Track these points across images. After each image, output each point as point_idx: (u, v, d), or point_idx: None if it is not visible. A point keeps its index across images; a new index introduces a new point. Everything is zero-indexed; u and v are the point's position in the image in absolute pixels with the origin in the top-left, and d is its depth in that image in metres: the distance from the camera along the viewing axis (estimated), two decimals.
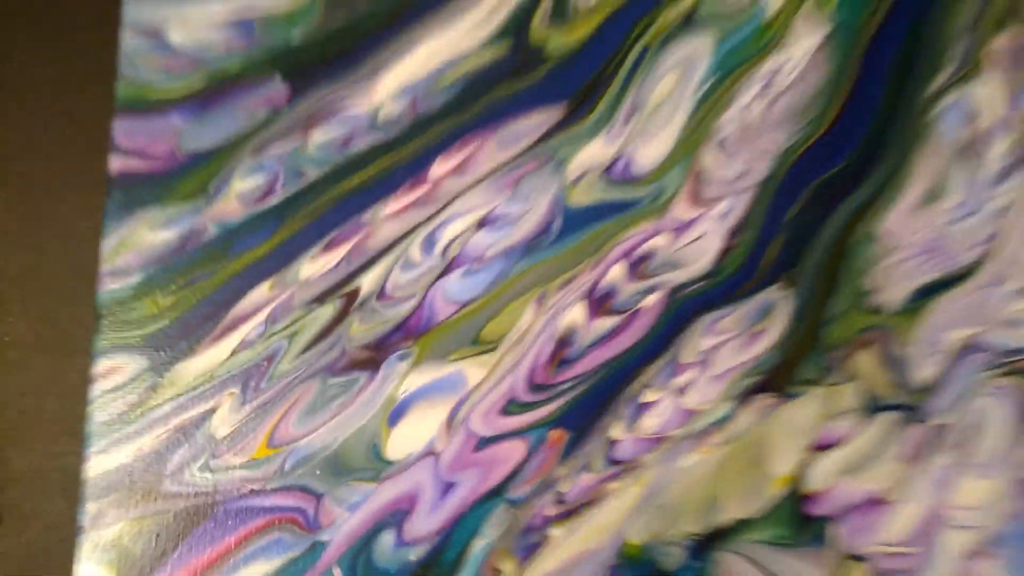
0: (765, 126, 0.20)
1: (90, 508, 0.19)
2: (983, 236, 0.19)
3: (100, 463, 0.19)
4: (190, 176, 0.21)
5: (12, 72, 0.24)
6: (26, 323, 0.24)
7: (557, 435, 0.19)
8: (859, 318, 0.19)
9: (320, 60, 0.21)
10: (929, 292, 0.19)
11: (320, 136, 0.21)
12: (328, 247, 0.20)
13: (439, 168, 0.20)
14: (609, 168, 0.20)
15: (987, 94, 0.20)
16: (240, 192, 0.20)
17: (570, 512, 0.19)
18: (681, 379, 0.19)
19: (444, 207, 0.20)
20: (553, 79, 0.20)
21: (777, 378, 0.19)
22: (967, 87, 0.20)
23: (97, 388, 0.20)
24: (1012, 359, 0.19)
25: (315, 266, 0.20)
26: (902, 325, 0.19)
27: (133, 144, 0.21)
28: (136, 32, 0.21)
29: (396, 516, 0.19)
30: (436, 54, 0.21)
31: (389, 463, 0.19)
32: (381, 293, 0.20)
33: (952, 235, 0.19)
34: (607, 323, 0.19)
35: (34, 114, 0.24)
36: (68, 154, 0.24)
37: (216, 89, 0.21)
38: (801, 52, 0.20)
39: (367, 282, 0.20)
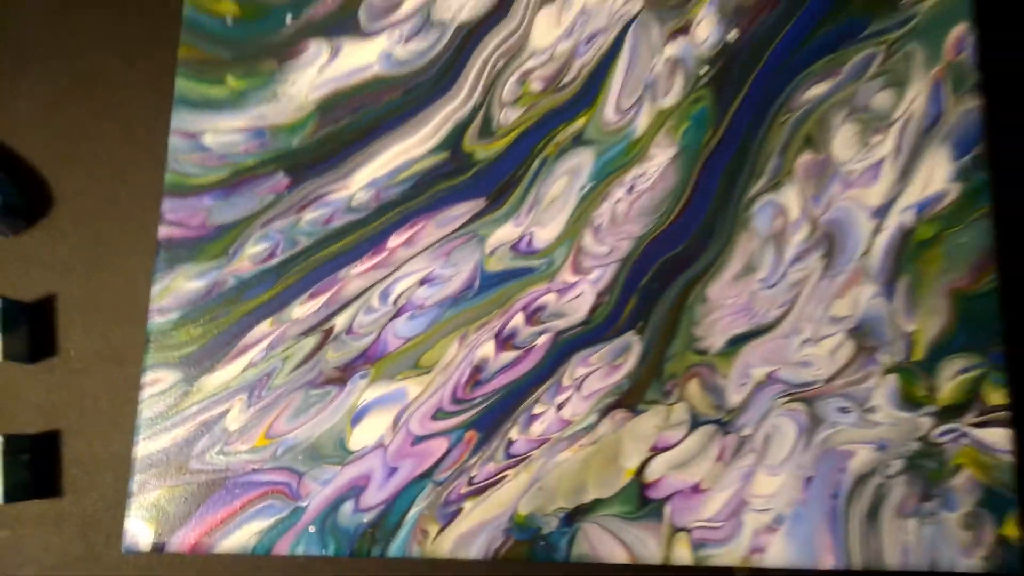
0: (628, 218, 0.27)
1: (137, 479, 0.26)
2: (783, 300, 0.26)
3: (145, 447, 0.26)
4: (215, 242, 0.28)
5: (90, 160, 0.31)
6: (88, 342, 0.31)
7: (470, 435, 0.26)
8: (690, 356, 0.26)
9: (311, 160, 0.28)
10: (741, 340, 0.26)
11: (309, 215, 0.28)
12: (312, 295, 0.27)
13: (394, 241, 0.27)
14: (515, 244, 0.27)
15: (790, 198, 0.27)
16: (251, 254, 0.28)
17: (478, 491, 0.26)
18: (561, 397, 0.26)
19: (396, 269, 0.27)
20: (478, 179, 0.27)
21: (629, 398, 0.26)
22: (776, 193, 0.27)
23: (144, 393, 0.27)
24: (798, 390, 0.26)
25: (303, 309, 0.27)
26: (721, 363, 0.26)
27: (175, 218, 0.28)
28: (179, 135, 0.28)
29: (354, 490, 0.26)
30: (395, 158, 0.28)
31: (351, 452, 0.26)
32: (349, 330, 0.27)
33: (760, 299, 0.26)
34: (509, 356, 0.26)
35: (105, 192, 0.31)
36: (129, 223, 0.31)
37: (236, 179, 0.28)
38: (656, 165, 0.27)
39: (340, 322, 0.27)
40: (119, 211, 0.31)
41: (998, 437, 0.25)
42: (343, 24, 0.28)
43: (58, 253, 0.31)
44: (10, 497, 0.28)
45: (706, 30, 0.27)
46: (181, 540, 0.25)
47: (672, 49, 0.27)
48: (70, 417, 0.30)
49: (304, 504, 0.25)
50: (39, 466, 0.29)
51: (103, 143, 0.31)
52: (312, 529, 0.25)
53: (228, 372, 0.26)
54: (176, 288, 0.26)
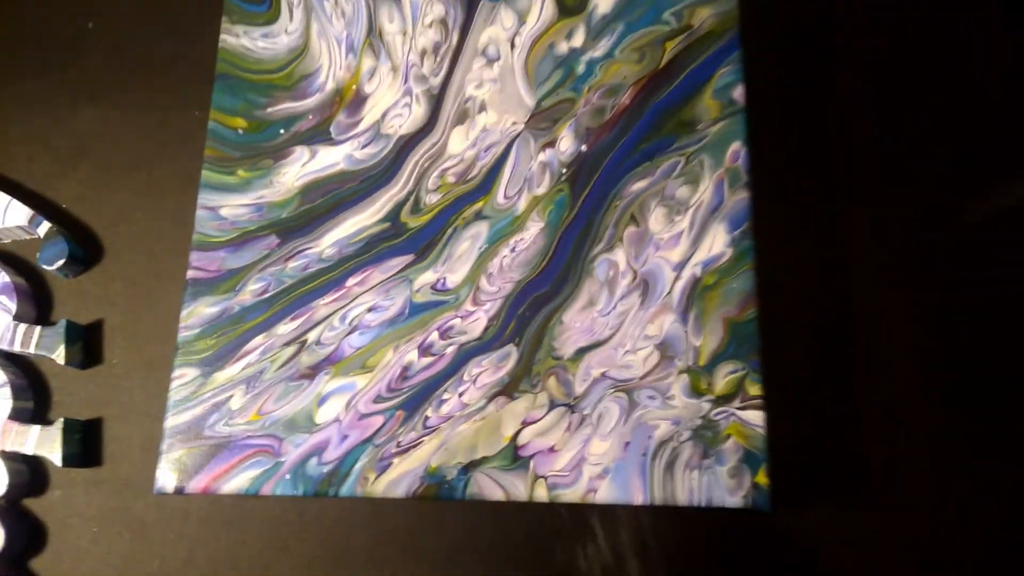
0: (511, 268, 0.39)
1: (166, 443, 0.36)
2: (613, 324, 0.38)
3: (172, 421, 0.37)
4: (226, 281, 0.38)
5: (133, 225, 0.43)
6: (127, 355, 0.41)
7: (399, 414, 0.37)
8: (550, 361, 0.37)
9: (295, 227, 0.40)
10: (585, 350, 0.37)
11: (292, 264, 0.39)
12: (293, 318, 0.38)
13: (351, 282, 0.38)
14: (434, 285, 0.39)
15: (620, 257, 0.39)
16: (251, 290, 0.39)
17: (403, 451, 0.36)
18: (462, 388, 0.37)
19: (351, 301, 0.38)
20: (409, 241, 0.39)
21: (508, 389, 0.37)
22: (611, 253, 0.39)
23: (173, 384, 0.37)
24: (622, 384, 0.38)
25: (286, 328, 0.38)
26: (571, 365, 0.38)
27: (199, 264, 0.39)
28: (203, 209, 0.40)
29: (318, 450, 0.36)
30: (353, 226, 0.39)
31: (316, 424, 0.37)
32: (318, 342, 0.38)
33: (597, 323, 0.38)
34: (427, 360, 0.37)
35: (144, 247, 0.43)
36: (162, 269, 0.42)
37: (242, 239, 0.40)
38: (531, 233, 0.39)
39: (311, 336, 0.38)
40: (154, 261, 0.42)
41: (755, 417, 0.37)
42: (319, 135, 0.40)
43: (106, 290, 0.42)
44: (66, 462, 0.38)
45: (566, 144, 0.40)
46: (195, 484, 0.35)
47: (543, 156, 0.40)
48: (111, 409, 0.40)
49: (283, 460, 0.35)
50: (87, 443, 0.40)
51: (144, 213, 0.43)
52: (288, 477, 0.35)
53: (232, 370, 0.36)
54: (198, 312, 0.37)
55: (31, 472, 0.39)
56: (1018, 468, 0.39)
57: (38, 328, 0.39)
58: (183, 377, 0.36)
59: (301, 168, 0.39)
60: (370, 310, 0.37)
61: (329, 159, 0.39)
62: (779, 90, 0.44)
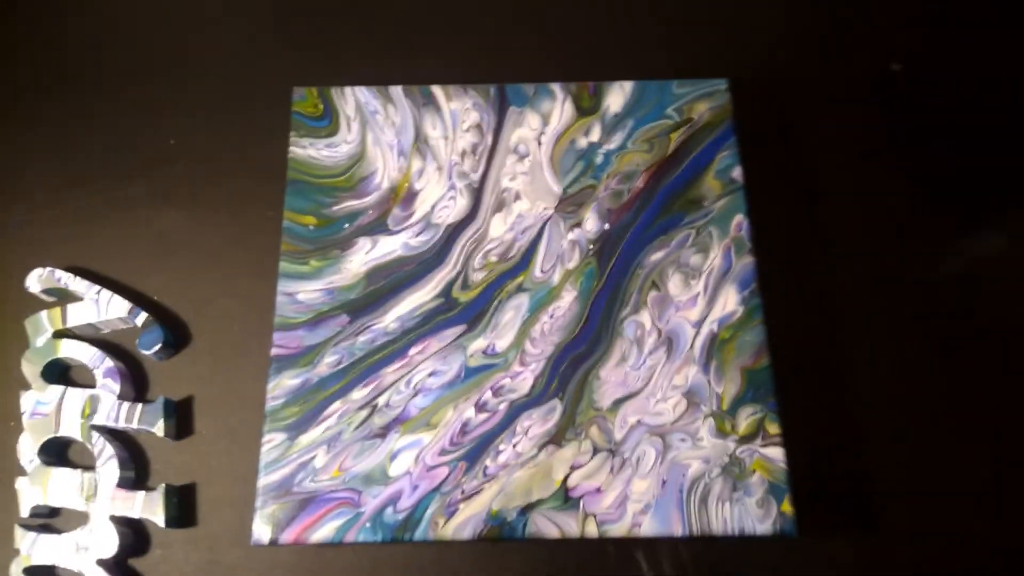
0: (551, 332, 0.45)
1: (259, 499, 0.41)
2: (644, 377, 0.44)
3: (264, 480, 0.41)
4: (306, 356, 0.44)
5: (220, 312, 0.49)
6: (215, 427, 0.47)
7: (462, 464, 0.42)
8: (590, 412, 0.42)
9: (363, 306, 0.46)
10: (621, 401, 0.43)
11: (362, 338, 0.45)
12: (365, 385, 0.43)
13: (413, 351, 0.44)
14: (485, 350, 0.45)
15: (645, 318, 0.45)
16: (327, 362, 0.44)
17: (467, 497, 0.41)
18: (515, 439, 0.42)
19: (414, 368, 0.44)
20: (461, 313, 0.45)
21: (556, 438, 0.42)
22: (637, 315, 0.45)
23: (264, 448, 0.42)
24: (656, 429, 0.43)
25: (360, 393, 0.43)
26: (610, 415, 0.43)
27: (281, 343, 0.45)
28: (283, 295, 0.46)
29: (392, 500, 0.41)
30: (412, 303, 0.45)
31: (390, 477, 0.42)
32: (387, 404, 0.44)
33: (630, 376, 0.44)
34: (483, 416, 0.43)
35: (228, 332, 0.49)
36: (243, 349, 0.48)
37: (317, 319, 0.45)
38: (566, 302, 0.45)
39: (381, 400, 0.43)
40: (235, 342, 0.47)
41: (776, 453, 0.42)
42: (378, 227, 0.46)
43: (195, 369, 0.47)
44: (168, 524, 0.43)
45: (591, 224, 0.46)
46: (287, 536, 0.40)
47: (572, 235, 0.46)
48: (203, 474, 0.45)
49: (362, 510, 0.40)
50: (183, 506, 0.44)
51: (225, 300, 0.48)
52: (368, 525, 0.40)
53: (315, 433, 0.42)
54: (282, 384, 0.43)
55: (135, 534, 0.44)
56: (1017, 492, 0.44)
57: (140, 405, 0.45)
58: (272, 441, 0.41)
59: (365, 256, 0.45)
60: (431, 375, 0.43)
61: (388, 247, 0.46)
62: (772, 168, 0.50)
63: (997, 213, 0.51)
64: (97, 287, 0.47)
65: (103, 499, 0.43)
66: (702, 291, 0.44)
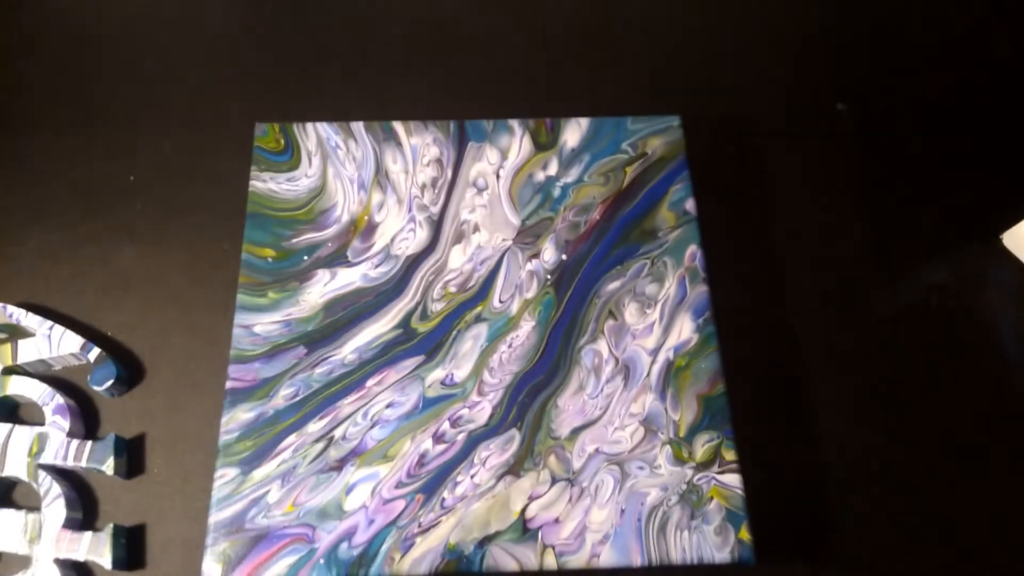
0: (509, 362, 0.45)
1: (211, 536, 0.40)
2: (601, 405, 0.44)
3: (216, 517, 0.40)
4: (262, 389, 0.44)
5: (174, 346, 0.48)
6: (167, 465, 0.46)
7: (419, 497, 0.42)
8: (549, 441, 0.43)
9: (320, 338, 0.46)
10: (579, 429, 0.43)
11: (319, 371, 0.45)
12: (321, 417, 0.43)
13: (370, 382, 0.44)
14: (443, 380, 0.44)
15: (602, 346, 0.46)
16: (283, 395, 0.44)
17: (424, 531, 0.41)
18: (473, 470, 0.42)
19: (372, 399, 0.44)
20: (420, 344, 0.45)
21: (514, 468, 0.42)
22: (595, 343, 0.45)
23: (216, 484, 0.41)
24: (613, 457, 0.43)
25: (316, 426, 0.43)
26: (568, 444, 0.43)
27: (237, 375, 0.44)
28: (240, 327, 0.46)
29: (348, 535, 0.40)
30: (370, 334, 0.46)
31: (345, 512, 0.41)
32: (343, 437, 0.43)
33: (588, 405, 0.44)
34: (441, 447, 0.43)
35: (182, 366, 0.48)
36: (207, 378, 0.48)
37: (274, 351, 0.45)
38: (524, 331, 0.46)
39: (338, 432, 0.43)
40: (191, 378, 0.47)
41: (733, 480, 0.42)
42: (337, 259, 0.47)
43: (148, 407, 0.46)
44: (115, 566, 0.41)
45: (549, 255, 0.47)
46: (238, 574, 0.39)
47: (530, 266, 0.47)
48: (153, 515, 0.44)
49: (316, 546, 0.39)
50: (132, 547, 0.43)
51: (181, 336, 0.48)
52: (322, 561, 0.39)
53: (269, 467, 0.41)
54: (236, 418, 0.42)
55: None
56: (968, 514, 0.44)
57: (89, 443, 0.43)
58: (224, 476, 0.41)
59: (323, 287, 0.45)
60: (388, 406, 0.43)
61: (347, 279, 0.46)
62: (723, 199, 0.52)
63: (944, 241, 0.52)
64: (50, 323, 0.46)
65: (47, 541, 0.41)
66: (658, 319, 0.45)
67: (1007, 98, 0.57)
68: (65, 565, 0.41)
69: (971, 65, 0.58)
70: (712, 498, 0.41)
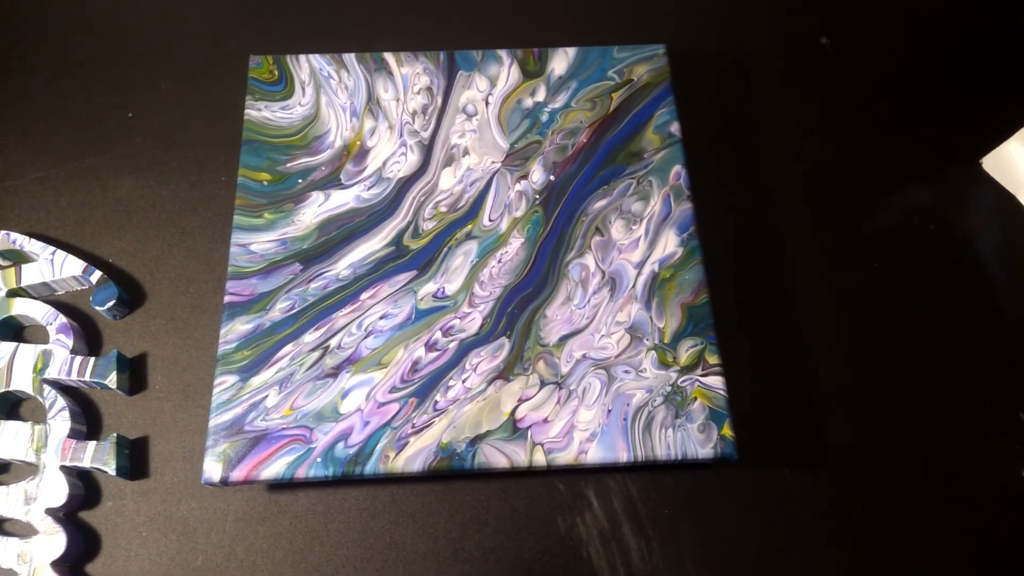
0: (499, 276, 0.46)
1: (211, 439, 0.41)
2: (588, 315, 0.45)
3: (216, 420, 0.41)
4: (258, 303, 0.46)
5: (174, 268, 0.49)
6: (168, 382, 0.47)
7: (412, 400, 0.43)
8: (537, 348, 0.44)
9: (315, 255, 0.47)
10: (567, 337, 0.44)
11: (313, 285, 0.46)
12: (317, 328, 0.44)
13: (365, 295, 0.46)
14: (435, 293, 0.46)
15: (590, 260, 0.47)
16: (280, 308, 0.45)
17: (418, 431, 0.42)
18: (465, 375, 0.43)
19: (366, 311, 0.45)
20: (412, 260, 0.46)
21: (504, 373, 0.43)
22: (582, 258, 0.47)
23: (216, 389, 0.43)
24: (600, 362, 0.44)
25: (312, 336, 0.44)
26: (556, 350, 0.44)
27: (235, 291, 0.45)
28: (237, 246, 0.47)
29: (344, 435, 0.42)
30: (364, 251, 0.47)
31: (341, 414, 0.42)
32: (339, 346, 0.44)
33: (575, 314, 0.45)
34: (433, 355, 0.44)
35: (182, 288, 0.49)
36: (206, 299, 0.49)
37: (270, 267, 0.46)
38: (513, 247, 0.47)
39: (333, 342, 0.44)
40: (190, 300, 0.48)
41: (716, 381, 0.43)
42: (331, 182, 0.48)
43: (149, 328, 0.48)
44: (118, 473, 0.43)
45: (537, 176, 0.48)
46: (238, 474, 0.40)
47: (519, 186, 0.48)
48: (156, 428, 0.45)
49: (313, 446, 0.41)
50: (135, 459, 0.44)
51: (180, 260, 0.49)
52: (319, 460, 0.41)
53: (267, 374, 0.42)
54: (235, 329, 0.44)
55: (85, 486, 0.43)
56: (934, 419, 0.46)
57: (92, 359, 0.45)
58: (223, 384, 0.42)
59: (318, 208, 0.47)
60: (382, 317, 0.44)
61: (341, 200, 0.47)
62: (707, 121, 0.53)
63: (926, 166, 0.54)
64: (52, 248, 0.47)
65: (53, 450, 0.42)
66: (643, 235, 0.46)
67: (986, 27, 0.58)
68: (71, 472, 0.42)
69: None
70: (696, 399, 0.42)
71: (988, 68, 0.56)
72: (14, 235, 0.48)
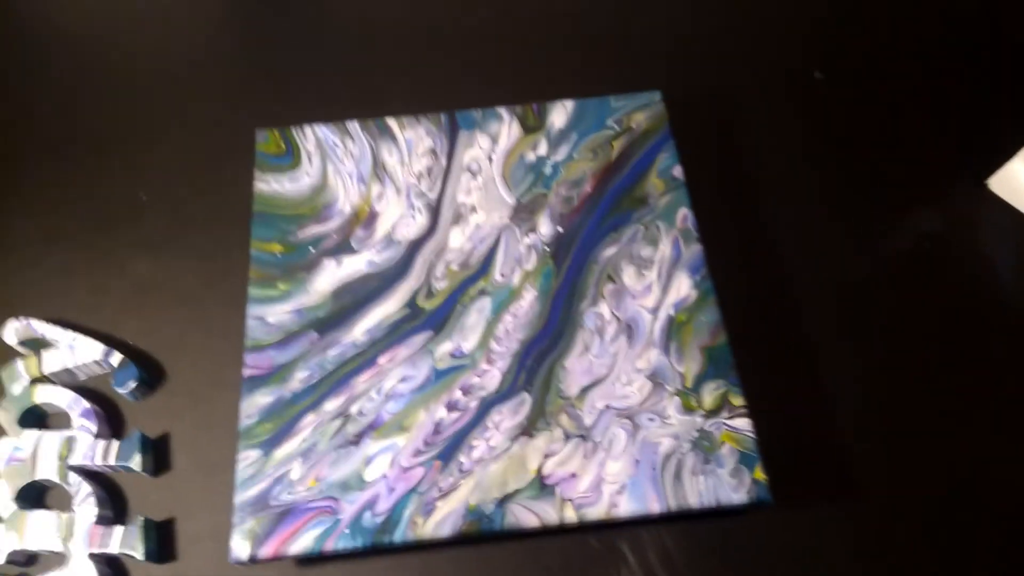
0: (515, 330, 0.46)
1: (236, 515, 0.41)
2: (608, 364, 0.45)
3: (241, 496, 0.41)
4: (277, 375, 0.46)
5: (193, 348, 0.50)
6: (191, 461, 0.47)
7: (437, 463, 0.43)
8: (559, 401, 0.43)
9: (331, 323, 0.47)
10: (588, 388, 0.44)
11: (331, 353, 0.46)
12: (336, 396, 0.44)
13: (382, 360, 0.46)
14: (452, 352, 0.46)
15: (604, 309, 0.47)
16: (299, 378, 0.46)
17: (444, 495, 0.42)
18: (488, 434, 0.43)
19: (384, 376, 0.45)
20: (427, 320, 0.47)
21: (528, 429, 0.43)
22: (596, 307, 0.47)
23: (239, 465, 0.43)
24: (624, 411, 0.44)
25: (332, 404, 0.44)
26: (578, 402, 0.44)
27: (253, 364, 0.46)
28: (253, 319, 0.48)
29: (370, 504, 0.41)
30: (379, 315, 0.47)
31: (366, 482, 0.42)
32: (360, 413, 0.44)
33: (595, 364, 0.45)
34: (455, 415, 0.44)
35: (201, 368, 0.50)
36: (226, 375, 0.49)
37: (287, 339, 0.47)
38: (527, 301, 0.47)
39: (354, 409, 0.44)
40: (210, 376, 0.49)
41: (743, 424, 0.42)
42: (343, 248, 0.48)
43: (171, 407, 0.48)
44: (147, 557, 0.42)
45: (545, 228, 0.49)
46: (266, 550, 0.40)
47: (528, 240, 0.48)
48: (181, 508, 0.45)
49: (341, 517, 0.40)
50: (162, 541, 0.44)
51: (198, 337, 0.50)
52: (347, 531, 0.40)
53: (290, 446, 0.42)
54: (255, 403, 0.44)
55: (115, 574, 0.43)
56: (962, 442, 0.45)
57: (116, 442, 0.45)
58: (247, 459, 0.42)
59: (331, 276, 0.47)
60: (401, 380, 0.44)
61: (353, 266, 0.47)
62: (708, 162, 0.53)
63: (933, 189, 0.54)
64: (72, 333, 0.48)
65: (80, 537, 0.42)
66: (656, 279, 0.46)
67: (984, 47, 0.59)
68: (99, 560, 0.42)
69: (948, 16, 0.60)
70: (724, 442, 0.42)
71: (990, 88, 0.57)
72: (34, 323, 0.48)
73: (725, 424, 0.42)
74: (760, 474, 0.41)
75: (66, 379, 0.48)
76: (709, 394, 0.43)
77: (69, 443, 0.45)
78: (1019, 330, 0.48)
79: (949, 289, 0.50)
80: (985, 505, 0.43)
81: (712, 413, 0.42)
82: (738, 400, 0.43)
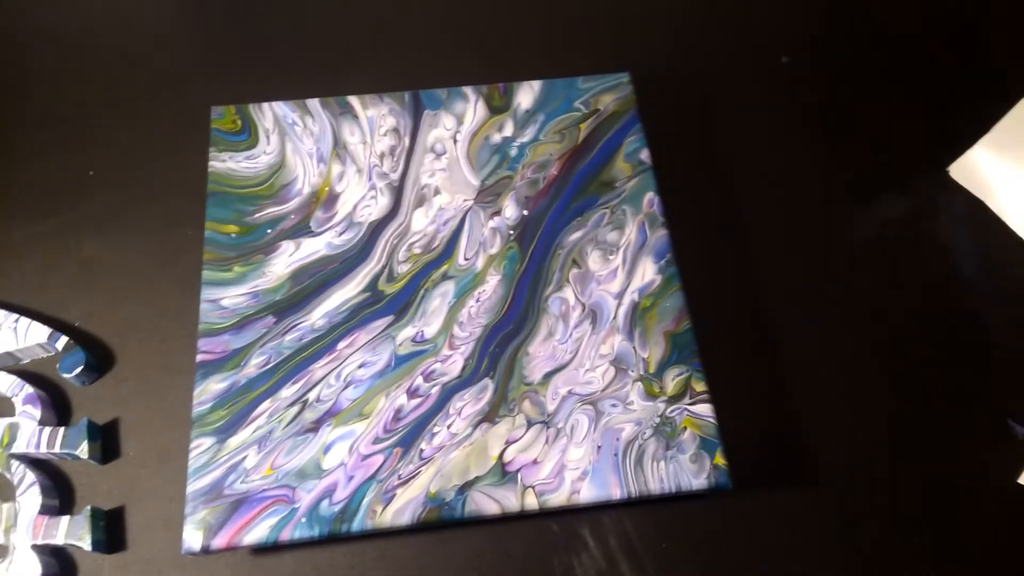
0: (478, 315, 0.45)
1: (189, 506, 0.40)
2: (571, 349, 0.45)
3: (193, 486, 0.40)
4: (232, 360, 0.44)
5: (144, 330, 0.48)
6: (142, 447, 0.45)
7: (397, 450, 0.42)
8: (522, 387, 0.43)
9: (288, 306, 0.46)
10: (551, 374, 0.44)
11: (288, 338, 0.45)
12: (294, 382, 0.43)
13: (341, 345, 0.45)
14: (413, 338, 0.45)
15: (569, 294, 0.46)
16: (254, 363, 0.44)
17: (404, 482, 0.41)
18: (449, 420, 0.42)
19: (343, 361, 0.44)
20: (388, 305, 0.46)
21: (490, 415, 0.42)
22: (561, 292, 0.46)
23: (192, 454, 0.41)
24: (586, 397, 0.43)
25: (289, 391, 0.43)
26: (541, 388, 0.43)
27: (207, 348, 0.44)
28: (207, 302, 0.46)
29: (328, 492, 0.40)
30: (339, 299, 0.46)
31: (324, 470, 0.41)
32: (318, 399, 0.43)
33: (558, 350, 0.44)
34: (416, 401, 0.43)
35: (152, 349, 0.48)
36: (178, 360, 0.48)
37: (243, 322, 0.45)
38: (491, 285, 0.46)
39: (312, 395, 0.43)
40: (161, 360, 0.47)
41: (704, 409, 0.42)
42: (301, 230, 0.47)
43: (120, 392, 0.46)
44: (95, 548, 0.41)
45: (510, 211, 0.48)
46: (219, 541, 0.39)
47: (492, 223, 0.48)
48: (132, 497, 0.44)
49: (297, 505, 0.39)
50: (111, 531, 0.43)
51: (149, 320, 0.48)
52: (304, 520, 0.39)
53: (244, 433, 0.41)
54: (209, 389, 0.42)
55: (60, 564, 0.42)
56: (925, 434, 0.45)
57: (61, 429, 0.43)
58: (200, 447, 0.41)
59: (288, 258, 0.46)
60: (360, 366, 0.43)
61: (312, 248, 0.46)
62: (675, 146, 0.53)
63: (895, 176, 0.54)
64: (15, 315, 0.46)
65: (24, 529, 0.41)
66: (621, 265, 0.46)
67: (945, 35, 0.59)
68: (44, 551, 0.41)
69: (912, 4, 0.61)
70: (686, 428, 0.41)
71: (949, 76, 0.57)
72: None
73: (687, 410, 0.42)
74: (720, 460, 0.41)
75: (8, 363, 0.46)
76: (672, 380, 0.43)
77: (11, 430, 0.43)
78: (979, 316, 0.49)
79: (911, 276, 0.50)
80: (942, 490, 0.44)
81: (674, 399, 0.42)
82: (700, 386, 0.43)
